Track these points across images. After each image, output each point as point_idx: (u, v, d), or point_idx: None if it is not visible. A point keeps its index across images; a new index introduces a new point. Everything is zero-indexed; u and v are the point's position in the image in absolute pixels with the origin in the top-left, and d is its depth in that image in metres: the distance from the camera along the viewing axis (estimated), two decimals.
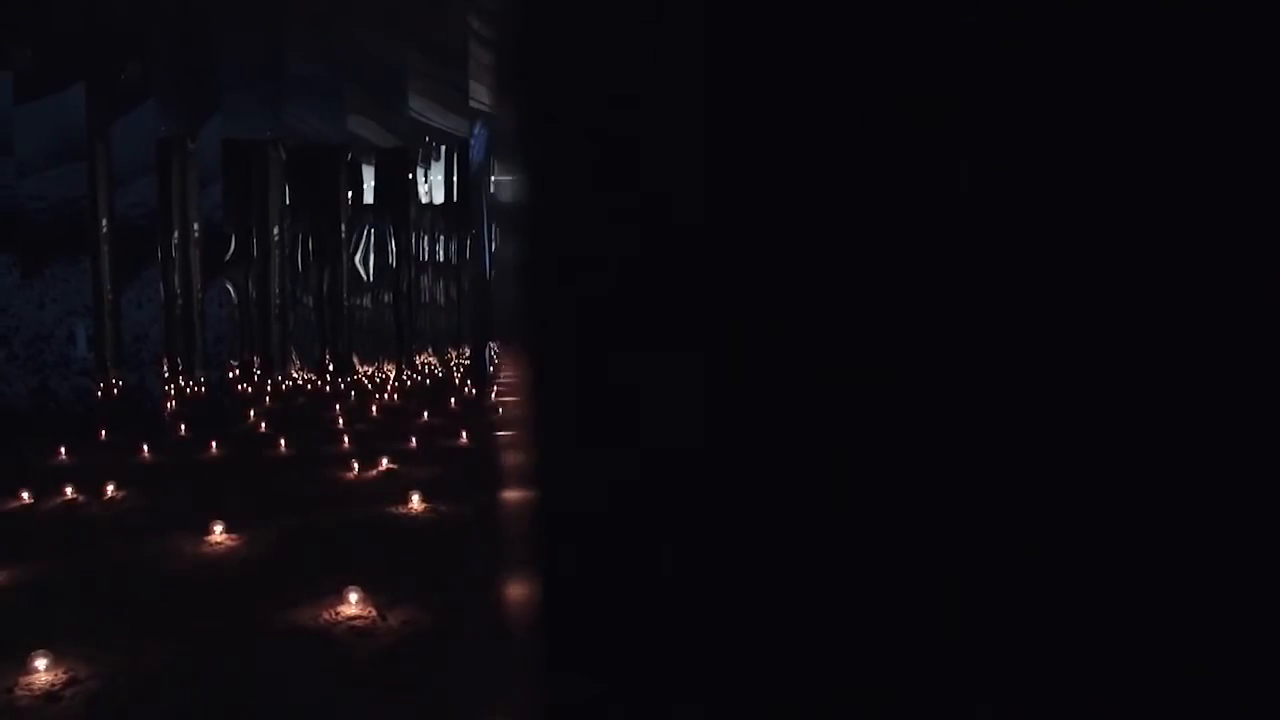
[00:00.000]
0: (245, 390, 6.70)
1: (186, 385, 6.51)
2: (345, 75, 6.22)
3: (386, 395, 7.31)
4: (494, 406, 7.29)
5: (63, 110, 5.34)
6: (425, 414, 7.21)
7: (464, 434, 6.80)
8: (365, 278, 6.67)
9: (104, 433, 5.88)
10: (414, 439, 6.61)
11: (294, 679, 2.84)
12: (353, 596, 3.37)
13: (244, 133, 6.18)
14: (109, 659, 2.98)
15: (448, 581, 3.74)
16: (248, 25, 5.95)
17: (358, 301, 6.77)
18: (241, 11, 5.91)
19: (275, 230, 6.47)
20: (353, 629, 3.22)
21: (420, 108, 6.46)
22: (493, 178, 6.98)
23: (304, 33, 6.11)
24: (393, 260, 6.75)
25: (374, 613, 3.34)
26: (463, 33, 6.24)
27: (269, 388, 6.94)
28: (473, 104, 6.24)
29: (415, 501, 4.93)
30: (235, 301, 6.28)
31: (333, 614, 3.34)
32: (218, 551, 4.23)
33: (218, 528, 4.42)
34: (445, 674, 2.87)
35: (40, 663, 2.85)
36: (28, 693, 2.75)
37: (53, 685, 2.80)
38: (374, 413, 7.41)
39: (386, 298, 6.89)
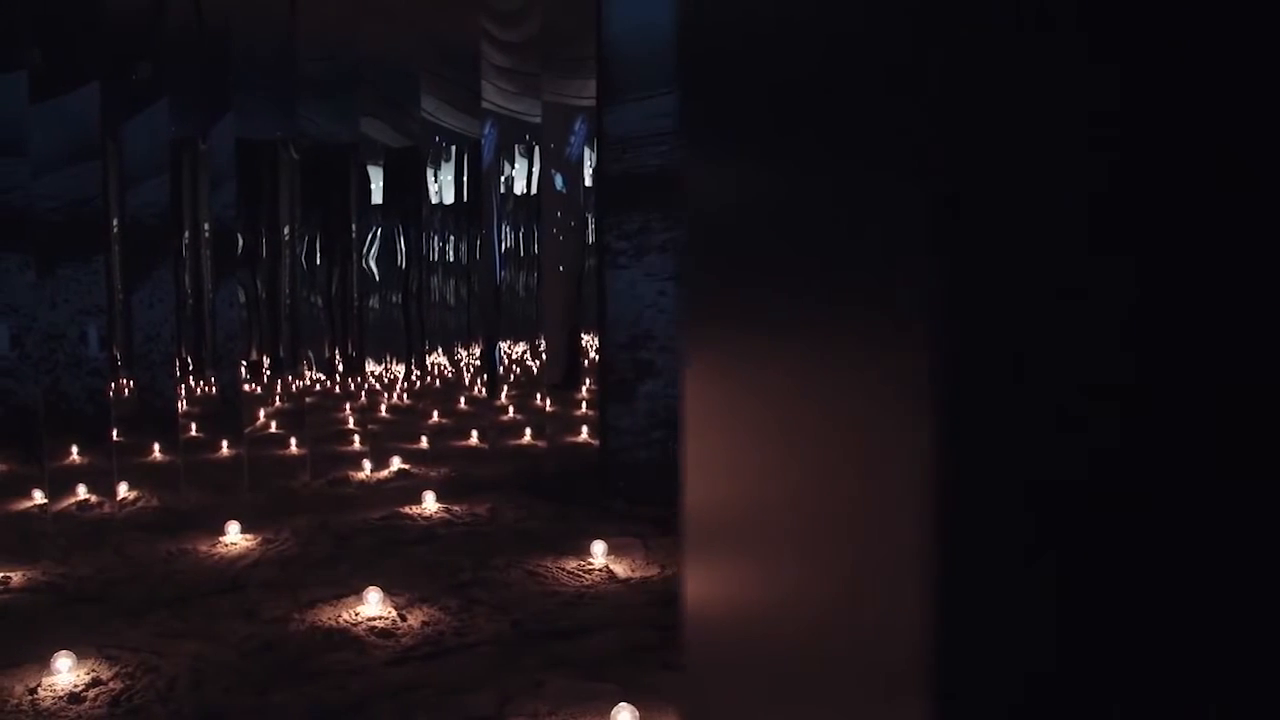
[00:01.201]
0: (255, 390, 6.70)
1: (198, 385, 6.51)
2: (355, 75, 6.21)
3: (396, 395, 7.32)
4: (504, 407, 7.29)
5: (76, 110, 5.34)
6: (435, 414, 7.21)
7: (474, 434, 6.81)
8: (374, 277, 6.67)
9: (116, 432, 5.87)
10: (425, 439, 6.61)
11: (315, 679, 2.84)
12: (372, 597, 3.37)
13: (253, 133, 6.17)
14: (130, 659, 2.98)
15: (464, 581, 3.74)
16: (258, 25, 5.95)
17: (368, 301, 6.76)
18: (252, 11, 5.91)
19: (286, 230, 6.47)
20: (373, 629, 3.22)
21: (431, 108, 6.46)
22: (502, 177, 6.97)
23: (314, 32, 6.11)
24: (402, 260, 6.75)
25: (394, 613, 3.34)
26: (475, 33, 6.24)
27: (278, 387, 6.94)
28: (484, 104, 6.24)
29: (429, 501, 4.93)
30: (243, 301, 6.27)
31: (352, 614, 3.34)
32: (233, 552, 4.23)
33: (232, 528, 4.42)
34: (463, 674, 2.86)
35: (62, 664, 2.86)
36: (51, 693, 2.76)
37: (75, 686, 2.80)
38: (384, 412, 7.41)
39: (395, 298, 6.88)
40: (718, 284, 0.57)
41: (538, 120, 6.58)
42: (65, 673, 2.84)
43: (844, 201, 0.44)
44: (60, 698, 2.73)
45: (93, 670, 2.90)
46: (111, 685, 2.81)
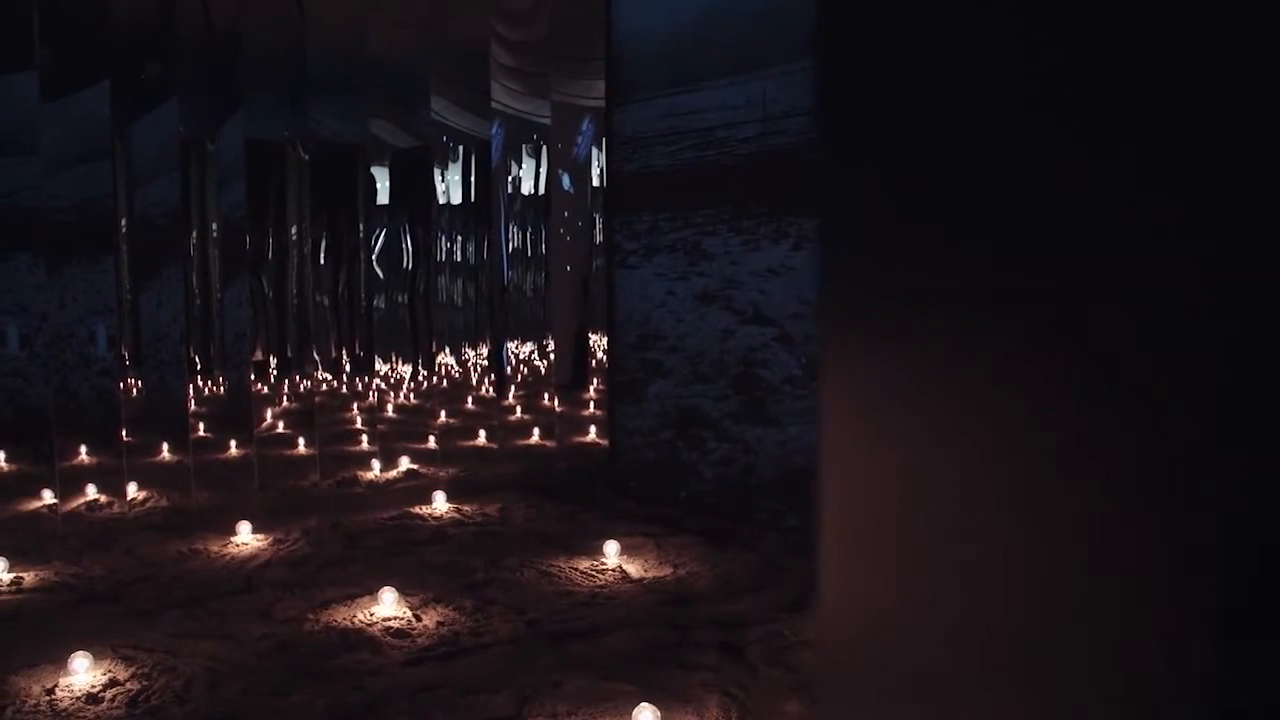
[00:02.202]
0: (261, 389, 6.70)
1: (205, 384, 6.51)
2: (363, 76, 6.21)
3: (403, 395, 7.31)
4: (511, 406, 7.28)
5: (85, 109, 5.34)
6: (442, 414, 7.20)
7: (481, 434, 6.81)
8: (382, 277, 6.67)
9: (125, 432, 5.87)
10: (433, 439, 6.60)
11: (332, 679, 2.84)
12: (387, 597, 3.36)
13: (261, 133, 6.17)
14: (146, 660, 2.98)
15: (478, 582, 3.74)
16: (266, 25, 5.95)
17: (375, 301, 6.76)
18: (260, 11, 5.91)
19: (294, 230, 6.46)
20: (388, 629, 3.21)
21: (439, 108, 6.46)
22: (509, 177, 6.97)
23: (322, 32, 6.11)
24: (408, 260, 6.74)
25: (409, 613, 3.34)
26: (483, 33, 6.23)
27: (286, 387, 6.93)
28: (494, 104, 6.24)
29: (439, 501, 4.93)
30: (249, 300, 6.27)
31: (367, 615, 3.34)
32: (244, 553, 4.23)
33: (243, 528, 4.42)
34: (481, 674, 2.86)
35: (79, 664, 2.85)
36: (68, 694, 2.75)
37: (93, 687, 2.79)
38: (391, 412, 7.41)
39: (402, 298, 6.88)
40: (877, 283, 0.56)
41: (546, 120, 6.58)
42: (82, 673, 2.84)
43: (1088, 199, 0.42)
44: (78, 698, 2.73)
45: (109, 671, 2.89)
46: (129, 686, 2.81)
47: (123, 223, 5.91)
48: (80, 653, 2.88)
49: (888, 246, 0.53)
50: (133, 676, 2.87)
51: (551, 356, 7.17)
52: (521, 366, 7.40)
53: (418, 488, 5.47)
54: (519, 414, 7.21)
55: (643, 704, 2.39)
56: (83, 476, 5.31)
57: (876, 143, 0.55)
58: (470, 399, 7.45)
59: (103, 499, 5.14)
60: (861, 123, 0.56)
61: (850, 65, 0.56)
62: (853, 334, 0.58)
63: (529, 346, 7.36)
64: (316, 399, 6.70)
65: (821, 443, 0.62)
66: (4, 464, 5.86)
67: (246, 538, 4.37)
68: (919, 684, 0.54)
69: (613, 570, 3.84)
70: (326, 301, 6.75)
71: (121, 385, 5.83)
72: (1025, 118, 0.38)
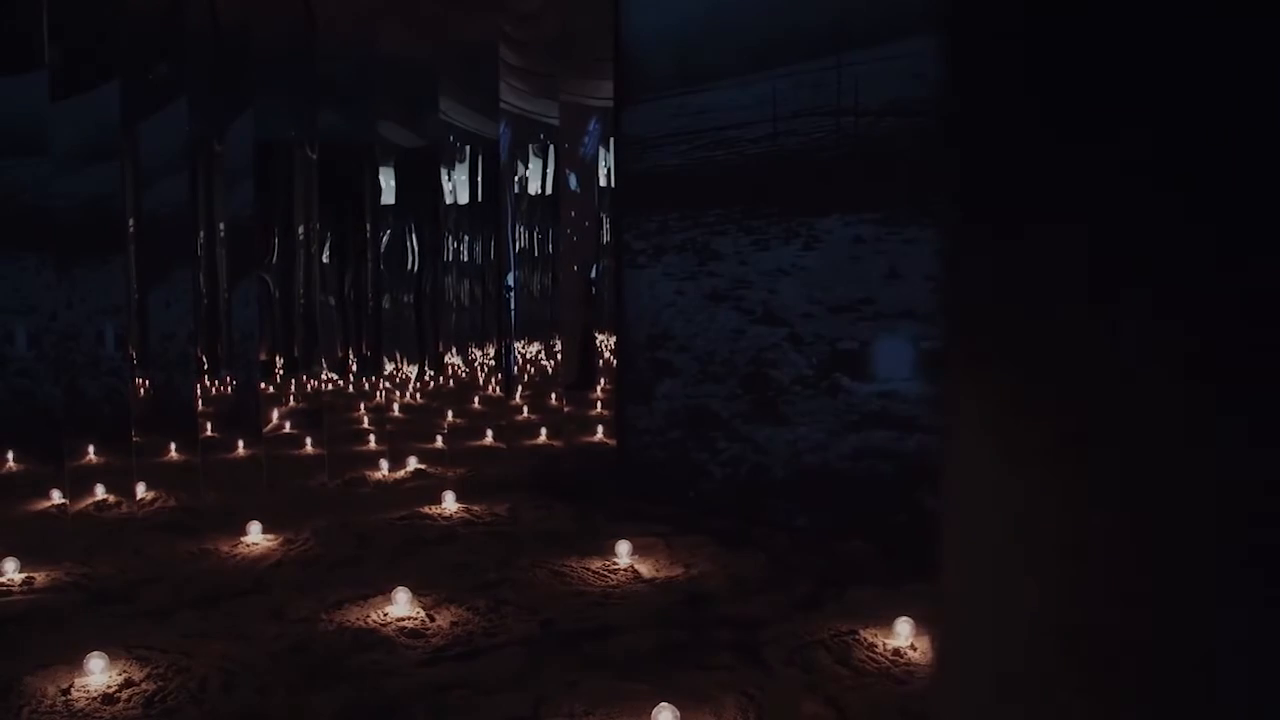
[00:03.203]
0: (267, 389, 6.70)
1: (212, 384, 6.51)
2: (371, 76, 6.21)
3: (409, 395, 7.31)
4: (518, 406, 7.28)
5: (95, 109, 5.34)
6: (450, 413, 7.20)
7: (489, 434, 6.80)
8: (388, 277, 6.67)
9: (133, 433, 5.87)
10: (440, 439, 6.60)
11: (347, 680, 2.84)
12: (401, 597, 3.36)
13: (267, 134, 6.17)
14: (161, 660, 2.98)
15: (490, 581, 3.73)
16: (274, 26, 5.95)
17: (382, 302, 6.76)
18: (268, 12, 5.91)
19: (301, 230, 6.46)
20: (402, 629, 3.21)
21: (446, 108, 6.45)
22: (516, 177, 6.97)
23: (330, 33, 6.11)
24: (414, 261, 6.74)
25: (422, 613, 3.33)
26: (491, 33, 6.23)
27: (292, 387, 6.94)
28: (502, 104, 6.24)
29: (449, 501, 4.93)
30: (256, 300, 6.27)
31: (381, 615, 3.34)
32: (255, 553, 4.22)
33: (253, 528, 4.41)
34: (496, 674, 2.86)
35: (95, 664, 2.85)
36: (84, 694, 2.75)
37: (108, 687, 2.79)
38: (397, 412, 7.41)
39: (408, 298, 6.88)
40: (1014, 285, 0.54)
41: (553, 120, 6.58)
42: (98, 673, 2.84)
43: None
44: (94, 698, 2.72)
45: (124, 671, 2.89)
46: (144, 686, 2.80)
47: (131, 222, 5.91)
48: (96, 653, 2.87)
49: (1040, 246, 0.52)
50: (148, 677, 2.86)
51: (559, 356, 7.17)
52: (528, 366, 7.40)
53: (426, 487, 5.46)
54: (526, 414, 7.21)
55: (662, 704, 2.39)
56: (91, 476, 5.31)
57: (1041, 130, 0.53)
58: (477, 399, 7.45)
59: (111, 499, 5.14)
60: (1019, 106, 0.54)
61: (988, 40, 0.54)
62: (982, 334, 0.56)
63: (536, 346, 7.37)
64: (323, 399, 6.70)
65: (948, 445, 0.61)
66: (13, 464, 5.86)
67: (257, 537, 4.37)
68: (1037, 686, 0.54)
69: (624, 570, 3.84)
70: (333, 301, 6.76)
71: (130, 385, 5.83)
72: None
